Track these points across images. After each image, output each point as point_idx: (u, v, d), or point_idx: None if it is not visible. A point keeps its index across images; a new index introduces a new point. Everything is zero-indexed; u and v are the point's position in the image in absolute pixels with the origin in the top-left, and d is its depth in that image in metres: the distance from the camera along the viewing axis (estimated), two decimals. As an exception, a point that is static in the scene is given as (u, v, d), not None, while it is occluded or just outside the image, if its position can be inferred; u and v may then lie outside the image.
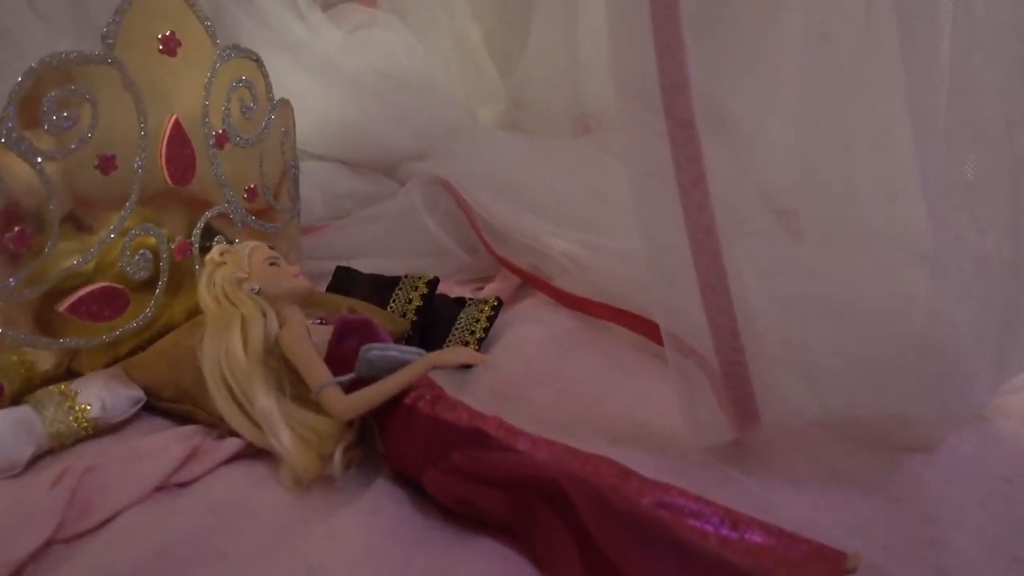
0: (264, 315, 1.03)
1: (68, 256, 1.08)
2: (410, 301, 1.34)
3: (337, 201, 1.98)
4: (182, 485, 0.96)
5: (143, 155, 1.15)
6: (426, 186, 1.85)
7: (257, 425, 0.97)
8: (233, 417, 0.99)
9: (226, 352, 0.99)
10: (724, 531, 0.79)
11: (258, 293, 1.05)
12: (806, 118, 1.11)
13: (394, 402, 0.95)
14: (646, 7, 0.83)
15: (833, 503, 0.92)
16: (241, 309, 1.02)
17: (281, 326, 1.03)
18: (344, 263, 1.54)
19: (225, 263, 1.07)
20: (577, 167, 1.97)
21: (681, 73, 0.84)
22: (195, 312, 1.19)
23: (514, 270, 1.64)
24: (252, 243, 1.12)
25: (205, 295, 1.06)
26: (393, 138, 2.14)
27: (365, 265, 1.55)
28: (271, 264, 1.09)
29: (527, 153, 2.05)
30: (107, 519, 0.89)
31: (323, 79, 2.19)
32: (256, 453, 1.01)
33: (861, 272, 1.05)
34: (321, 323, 1.08)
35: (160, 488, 0.94)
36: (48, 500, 0.88)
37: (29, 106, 1.00)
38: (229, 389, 0.99)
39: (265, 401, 0.96)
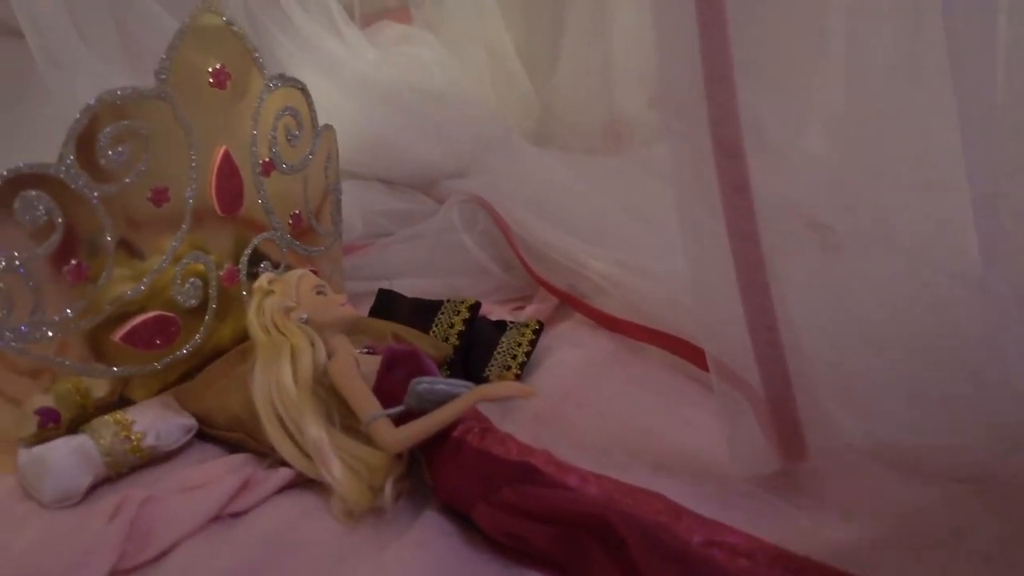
0: (313, 345, 1.05)
1: (121, 283, 1.11)
2: (452, 326, 1.35)
3: (376, 220, 2.00)
4: (235, 515, 0.97)
5: (194, 186, 1.17)
6: (464, 204, 1.85)
7: (308, 455, 0.98)
8: (284, 447, 1.00)
9: (277, 383, 1.00)
10: (776, 572, 0.79)
11: (306, 322, 1.07)
12: (845, 131, 1.09)
13: (443, 435, 0.95)
14: (694, 30, 0.82)
15: (884, 537, 0.90)
16: (291, 339, 1.04)
17: (329, 356, 1.05)
18: (385, 284, 1.56)
19: (273, 292, 1.10)
20: (613, 184, 1.97)
21: (732, 104, 0.84)
22: (242, 336, 1.20)
23: (552, 291, 1.63)
24: (299, 271, 1.14)
25: (254, 324, 1.08)
26: (430, 155, 2.15)
27: (405, 285, 1.56)
28: (318, 293, 1.11)
29: (563, 169, 2.05)
30: (165, 551, 0.90)
31: (359, 96, 2.21)
32: (305, 483, 1.02)
33: (903, 293, 1.03)
34: (369, 352, 1.09)
35: (215, 519, 0.95)
36: (108, 531, 0.90)
37: (86, 142, 1.03)
38: (280, 419, 1.00)
39: (316, 432, 0.97)
